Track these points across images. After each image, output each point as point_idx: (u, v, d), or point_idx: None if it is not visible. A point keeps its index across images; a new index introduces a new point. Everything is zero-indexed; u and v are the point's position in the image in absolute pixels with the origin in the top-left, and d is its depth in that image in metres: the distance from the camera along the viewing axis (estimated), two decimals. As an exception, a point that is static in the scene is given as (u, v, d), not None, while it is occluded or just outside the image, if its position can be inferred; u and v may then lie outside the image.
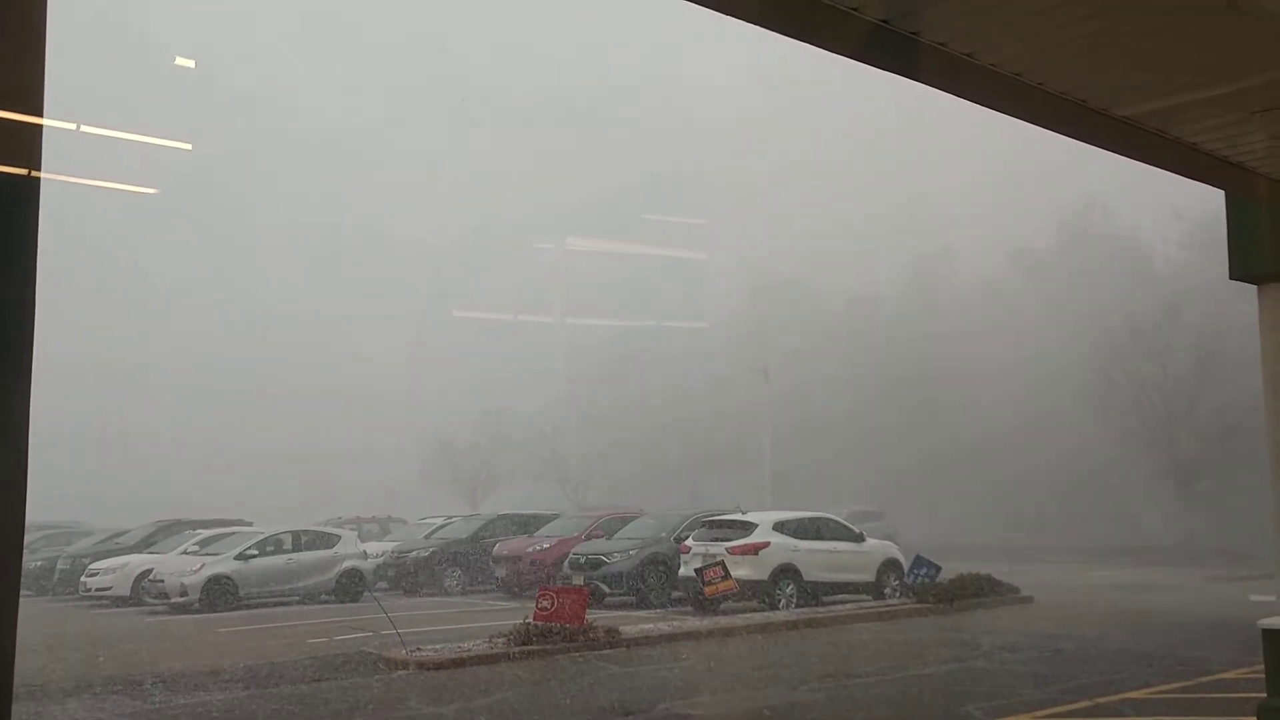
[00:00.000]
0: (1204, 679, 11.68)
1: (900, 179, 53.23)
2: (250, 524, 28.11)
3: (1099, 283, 41.72)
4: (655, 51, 70.50)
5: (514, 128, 70.20)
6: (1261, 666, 8.33)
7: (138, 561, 24.53)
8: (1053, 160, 36.21)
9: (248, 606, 22.26)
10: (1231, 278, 8.62)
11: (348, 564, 24.30)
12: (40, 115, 2.43)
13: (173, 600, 22.18)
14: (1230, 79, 5.51)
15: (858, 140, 53.86)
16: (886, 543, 22.29)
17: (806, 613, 18.56)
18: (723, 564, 18.74)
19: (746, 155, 60.71)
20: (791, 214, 56.64)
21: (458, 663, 13.42)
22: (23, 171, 2.41)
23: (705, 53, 67.06)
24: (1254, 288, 8.58)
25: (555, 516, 27.83)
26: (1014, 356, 42.60)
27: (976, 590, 20.19)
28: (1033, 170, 43.99)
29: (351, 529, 28.24)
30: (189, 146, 64.11)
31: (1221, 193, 8.40)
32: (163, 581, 22.54)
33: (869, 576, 20.71)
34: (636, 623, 16.80)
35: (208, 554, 23.49)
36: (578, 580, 20.49)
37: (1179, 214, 38.70)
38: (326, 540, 24.84)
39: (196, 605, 21.89)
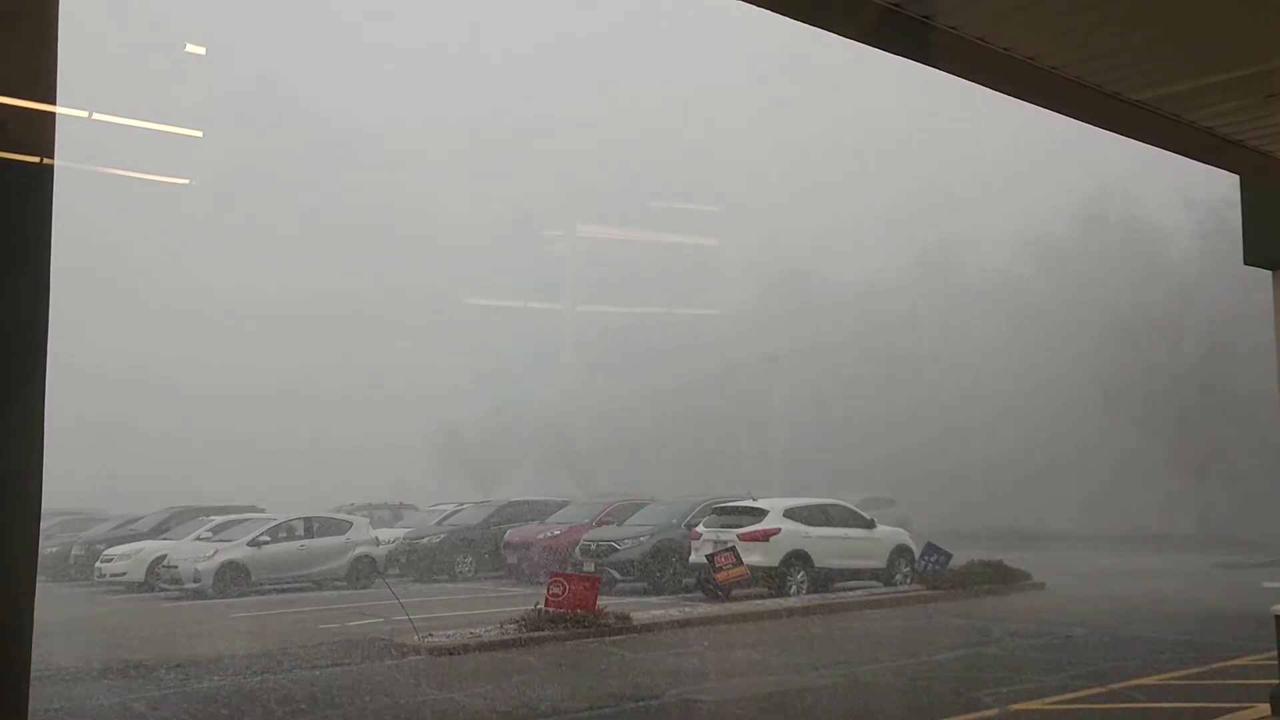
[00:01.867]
0: (1216, 665, 11.67)
1: (911, 167, 53.05)
2: (263, 510, 28.25)
3: (1111, 270, 41.55)
4: (664, 39, 70.27)
5: (518, 114, 70.13)
6: (1274, 653, 8.33)
7: (152, 547, 24.69)
8: (1064, 147, 36.04)
9: (260, 592, 22.39)
10: (1246, 263, 8.57)
11: (360, 550, 24.41)
12: (53, 103, 2.43)
13: (186, 586, 22.31)
14: (1247, 62, 5.47)
15: (868, 128, 53.68)
16: (898, 529, 22.28)
17: (817, 599, 18.59)
18: (734, 550, 18.75)
19: (756, 144, 60.58)
20: (802, 203, 56.55)
21: (469, 648, 13.48)
22: (35, 160, 2.41)
23: (715, 40, 66.80)
24: (1268, 273, 8.54)
25: (566, 503, 27.89)
26: (1025, 345, 42.48)
27: (988, 577, 20.18)
28: (1043, 157, 43.81)
29: (363, 516, 28.35)
30: (200, 134, 64.15)
31: (1235, 178, 8.35)
32: (176, 567, 22.68)
33: (880, 563, 20.71)
34: (647, 609, 16.84)
35: (221, 540, 23.62)
36: (589, 567, 20.55)
37: (1190, 201, 38.52)
38: (339, 527, 24.95)
39: (210, 591, 22.01)
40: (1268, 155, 6.89)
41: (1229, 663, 11.78)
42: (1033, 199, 46.72)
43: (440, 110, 67.33)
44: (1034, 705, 9.84)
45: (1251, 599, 16.31)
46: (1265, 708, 8.37)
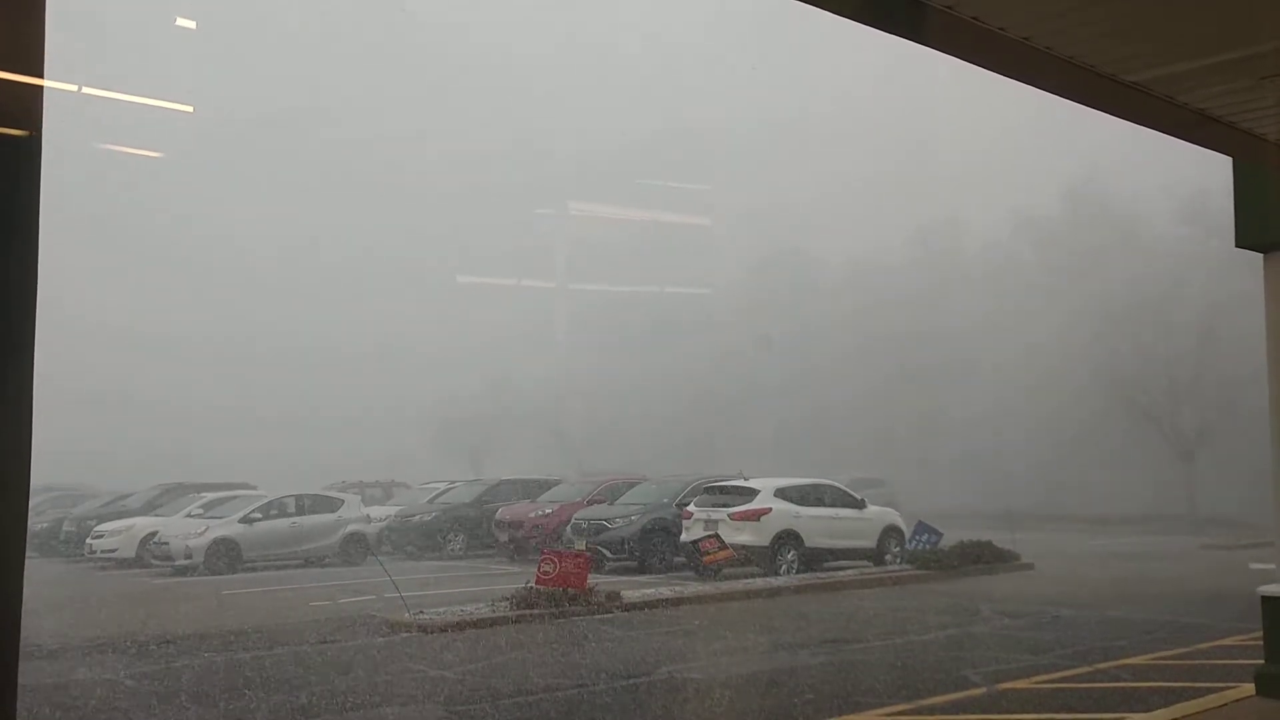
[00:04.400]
0: (1203, 646, 11.76)
1: (900, 148, 52.98)
2: (254, 487, 28.24)
3: (1104, 252, 41.60)
4: (657, 14, 69.94)
5: (512, 91, 69.78)
6: (1260, 633, 8.39)
7: (143, 524, 24.68)
8: (1056, 129, 36.06)
9: (251, 569, 22.41)
10: (1238, 245, 8.57)
11: (351, 528, 24.43)
12: (40, 76, 2.42)
13: (177, 562, 22.32)
14: (1240, 44, 5.46)
15: (862, 106, 53.54)
16: (888, 509, 22.36)
17: (807, 579, 18.66)
18: (717, 535, 18.87)
19: (750, 125, 60.38)
20: (794, 181, 56.44)
21: (460, 626, 13.52)
22: (24, 134, 2.40)
23: (707, 16, 66.52)
24: (1259, 256, 8.54)
25: (558, 482, 27.93)
26: (1016, 326, 42.55)
27: (977, 557, 20.30)
28: (1036, 139, 43.83)
29: (355, 493, 28.36)
30: (190, 109, 63.71)
31: (1224, 163, 8.35)
32: (168, 544, 22.69)
33: (870, 543, 20.80)
34: (638, 587, 16.90)
35: (212, 517, 23.63)
36: (580, 545, 20.59)
37: (1181, 184, 38.54)
38: (330, 504, 24.96)
39: (201, 568, 22.02)
40: (1260, 137, 6.90)
41: (1215, 643, 11.87)
42: (1023, 180, 46.75)
43: (435, 88, 66.96)
44: (1021, 684, 9.91)
45: (1238, 580, 16.42)
46: (1250, 687, 8.43)
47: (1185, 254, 38.44)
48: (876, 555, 20.73)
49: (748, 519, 19.47)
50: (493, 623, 13.81)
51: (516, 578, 16.05)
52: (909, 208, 51.04)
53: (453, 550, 25.13)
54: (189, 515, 24.27)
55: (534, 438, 55.61)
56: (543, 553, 16.92)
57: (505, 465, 47.23)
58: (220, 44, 63.30)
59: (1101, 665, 10.73)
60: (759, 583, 18.07)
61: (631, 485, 24.53)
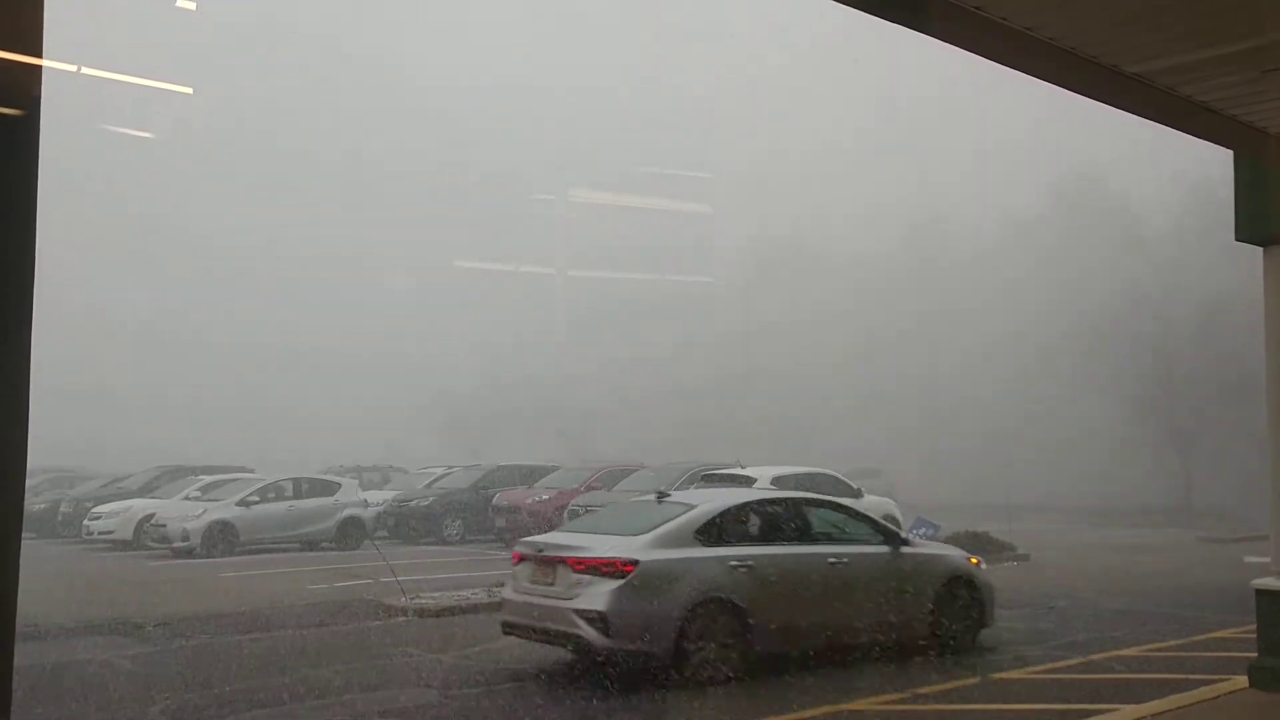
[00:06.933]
0: (1197, 638, 11.79)
1: (898, 147, 52.97)
2: (252, 471, 28.27)
3: (1102, 246, 41.60)
4: (659, 10, 69.73)
5: (510, 79, 69.61)
6: (1253, 626, 8.41)
7: (140, 506, 24.70)
8: (1056, 120, 36.02)
9: (248, 552, 22.43)
10: (1237, 239, 8.54)
11: (348, 512, 24.44)
12: (39, 57, 2.40)
13: (174, 545, 22.34)
14: (1243, 36, 5.45)
15: (863, 99, 53.46)
16: (885, 499, 22.37)
17: (803, 567, 18.64)
18: None
19: (751, 117, 60.31)
20: (795, 175, 56.44)
21: (456, 610, 13.53)
22: (22, 114, 2.38)
23: (711, 18, 66.40)
24: (1259, 250, 8.52)
25: (555, 468, 27.95)
26: (1013, 321, 42.58)
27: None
28: (1032, 138, 43.89)
29: (352, 477, 28.38)
30: (189, 90, 63.61)
31: (1225, 156, 8.33)
32: (165, 526, 22.70)
33: (866, 532, 20.77)
34: (634, 574, 16.87)
35: (210, 500, 23.64)
36: (577, 531, 20.59)
37: (1177, 180, 38.51)
38: (327, 488, 24.98)
39: (198, 550, 22.04)
40: (1262, 130, 6.89)
41: (1209, 635, 11.89)
42: (1023, 174, 46.71)
43: (437, 71, 66.79)
44: (1015, 675, 9.93)
45: (1233, 573, 16.46)
46: (1243, 680, 8.45)
47: (1184, 248, 38.45)
48: (873, 545, 20.71)
49: (745, 507, 19.44)
50: (489, 607, 13.79)
51: (513, 563, 16.03)
52: (908, 201, 51.04)
53: (450, 535, 25.16)
54: (186, 498, 24.29)
55: (533, 424, 55.68)
56: (539, 538, 16.89)
57: (503, 451, 47.31)
58: (220, 25, 63.07)
59: (1095, 656, 10.76)
60: (755, 571, 18.06)
61: (628, 473, 24.55)
